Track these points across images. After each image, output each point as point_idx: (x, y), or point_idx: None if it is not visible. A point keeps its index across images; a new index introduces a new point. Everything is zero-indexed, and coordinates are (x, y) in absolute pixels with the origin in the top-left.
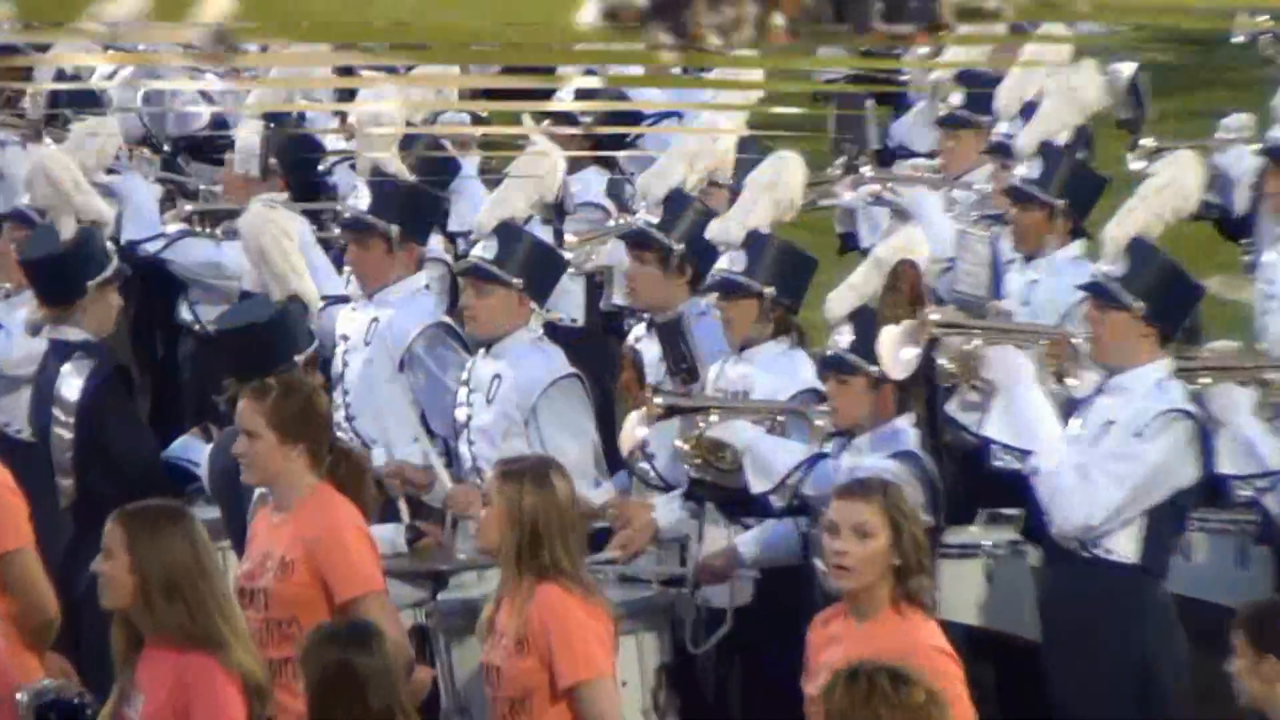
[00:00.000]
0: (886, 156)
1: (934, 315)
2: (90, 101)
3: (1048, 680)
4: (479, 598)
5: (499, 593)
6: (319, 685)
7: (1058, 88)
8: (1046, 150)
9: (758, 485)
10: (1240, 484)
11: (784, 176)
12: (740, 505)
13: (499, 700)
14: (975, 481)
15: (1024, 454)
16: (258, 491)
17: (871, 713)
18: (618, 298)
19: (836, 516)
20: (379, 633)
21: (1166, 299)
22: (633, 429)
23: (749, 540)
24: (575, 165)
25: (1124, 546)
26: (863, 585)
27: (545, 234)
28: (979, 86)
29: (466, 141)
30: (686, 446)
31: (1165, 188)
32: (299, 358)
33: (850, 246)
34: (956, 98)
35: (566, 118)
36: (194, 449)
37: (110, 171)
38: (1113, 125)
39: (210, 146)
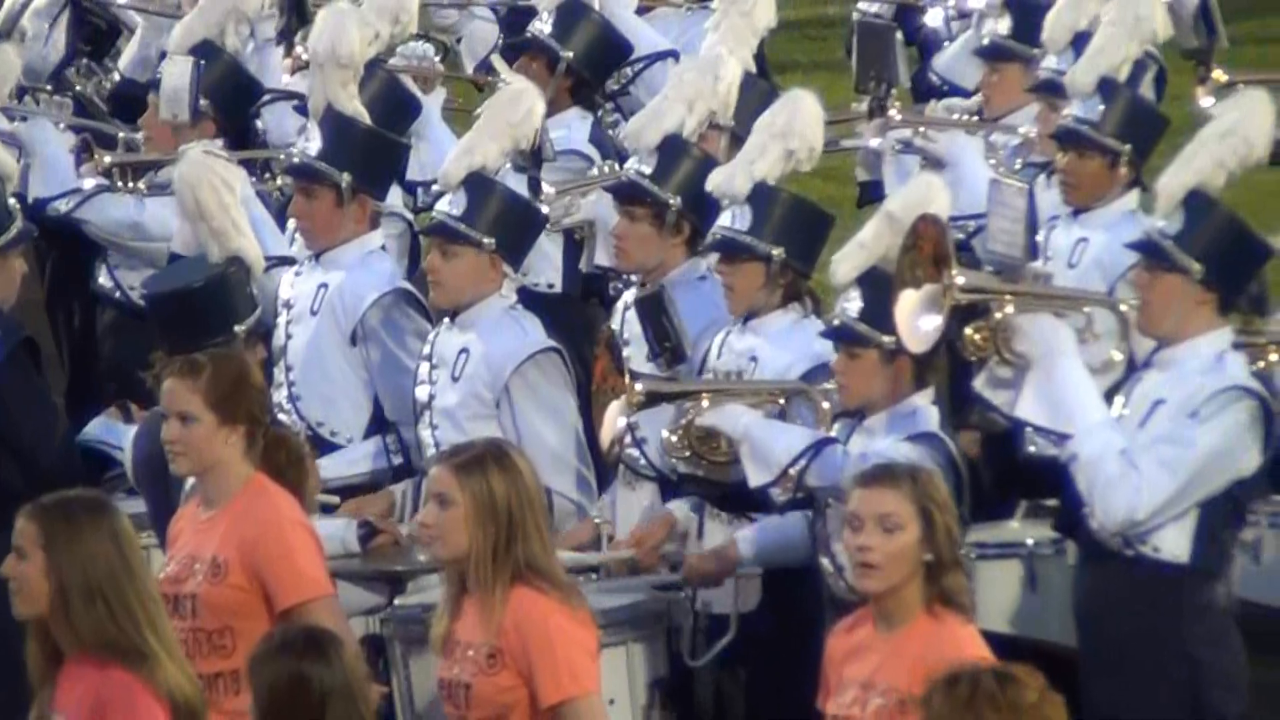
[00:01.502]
0: (919, 94)
1: (959, 279)
2: None
3: (1085, 695)
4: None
5: (453, 603)
6: (269, 701)
7: (1117, 15)
8: (1104, 87)
9: (756, 477)
10: None
11: (798, 122)
12: (740, 500)
13: None
14: (1005, 470)
15: (1061, 438)
16: (190, 481)
17: (975, 717)
18: (602, 258)
19: (859, 507)
20: (339, 641)
21: (1227, 260)
22: (612, 421)
23: (748, 536)
24: (554, 107)
25: (1173, 544)
26: (890, 585)
27: (519, 185)
28: (1027, 13)
29: (429, 77)
30: (674, 438)
31: (1229, 132)
32: (239, 328)
33: (873, 197)
34: (1002, 24)
35: (544, 51)
36: (113, 430)
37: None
38: (1178, 57)
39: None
